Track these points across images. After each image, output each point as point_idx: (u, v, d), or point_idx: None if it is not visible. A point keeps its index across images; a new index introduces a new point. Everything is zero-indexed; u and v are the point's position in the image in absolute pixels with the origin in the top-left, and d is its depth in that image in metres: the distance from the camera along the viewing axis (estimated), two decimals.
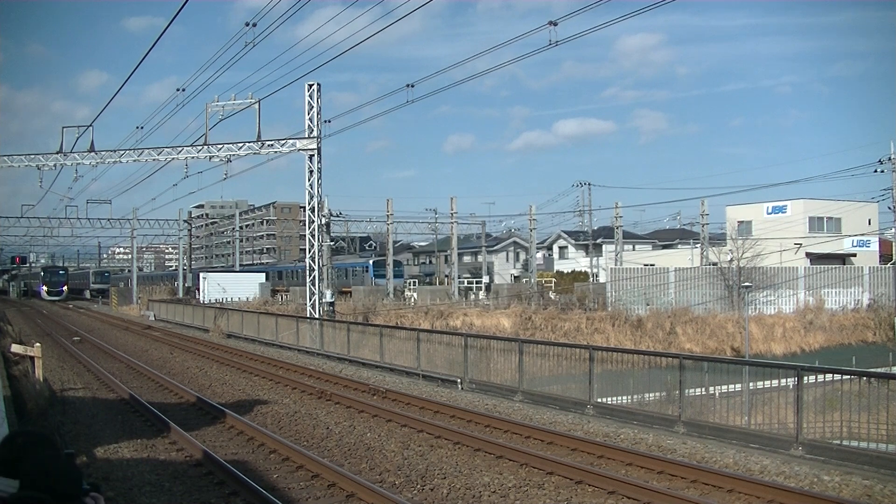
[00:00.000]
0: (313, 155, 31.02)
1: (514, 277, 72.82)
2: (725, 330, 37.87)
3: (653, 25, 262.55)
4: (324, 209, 38.68)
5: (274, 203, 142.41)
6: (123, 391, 18.04)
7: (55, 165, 34.53)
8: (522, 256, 76.37)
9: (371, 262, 65.65)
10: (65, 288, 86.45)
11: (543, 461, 10.83)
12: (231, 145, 33.13)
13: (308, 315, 31.21)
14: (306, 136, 31.30)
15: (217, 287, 59.65)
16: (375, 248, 79.55)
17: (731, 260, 43.22)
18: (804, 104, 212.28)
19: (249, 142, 32.41)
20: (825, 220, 55.28)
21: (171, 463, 11.42)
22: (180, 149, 33.30)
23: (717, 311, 40.77)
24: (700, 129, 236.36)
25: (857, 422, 12.24)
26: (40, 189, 42.09)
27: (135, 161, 34.24)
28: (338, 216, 60.66)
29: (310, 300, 31.62)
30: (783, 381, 14.12)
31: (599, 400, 15.16)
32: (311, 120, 30.96)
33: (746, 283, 35.78)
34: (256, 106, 31.28)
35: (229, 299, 55.18)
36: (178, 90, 32.89)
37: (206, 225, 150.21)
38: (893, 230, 51.17)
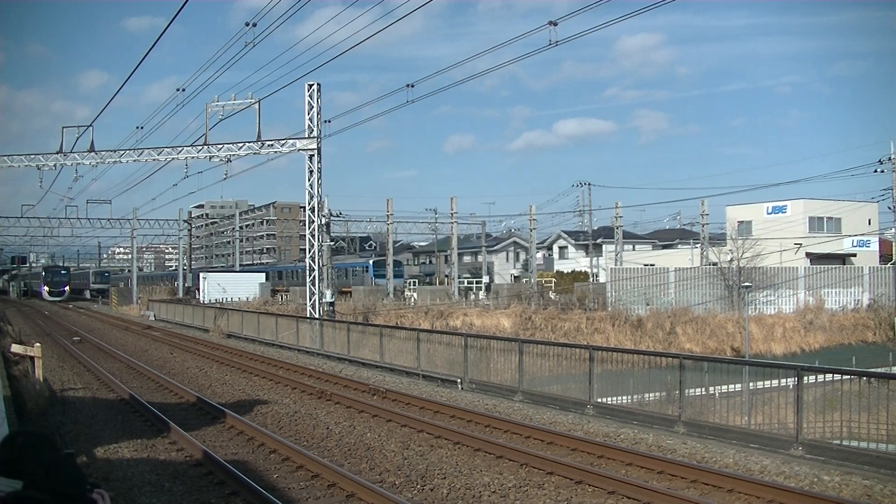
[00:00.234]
0: (313, 155, 31.02)
1: (514, 277, 72.82)
2: (725, 330, 37.87)
3: (653, 25, 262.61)
4: (324, 209, 38.69)
5: (274, 203, 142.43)
6: (123, 391, 18.04)
7: (55, 165, 34.53)
8: (522, 256, 76.36)
9: (371, 262, 65.65)
10: (67, 288, 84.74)
11: (543, 461, 10.83)
12: (231, 145, 33.13)
13: (308, 315, 31.21)
14: (306, 136, 31.30)
15: (217, 287, 59.66)
16: (375, 248, 79.54)
17: (731, 260, 43.22)
18: (805, 104, 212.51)
19: (249, 142, 32.41)
20: (825, 220, 55.28)
21: (171, 463, 11.42)
22: (180, 149, 33.30)
23: (717, 311, 40.76)
24: (700, 129, 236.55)
25: (857, 422, 12.24)
26: (40, 189, 42.13)
27: (135, 161, 34.25)
28: (338, 216, 60.68)
29: (310, 300, 31.62)
30: (783, 381, 14.12)
31: (599, 400, 15.16)
32: (311, 120, 30.97)
33: (746, 283, 35.78)
34: (256, 106, 31.29)
35: (229, 299, 55.18)
36: (178, 90, 32.93)
37: (206, 225, 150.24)
38: (893, 230, 51.17)
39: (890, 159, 46.36)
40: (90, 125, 33.38)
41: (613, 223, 59.85)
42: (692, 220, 67.50)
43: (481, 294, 56.24)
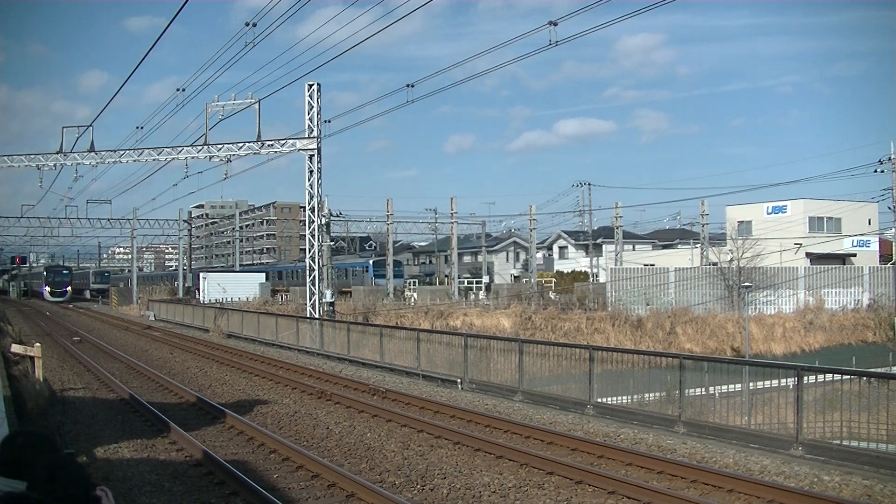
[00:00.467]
0: (313, 155, 31.02)
1: (514, 277, 72.81)
2: (725, 330, 37.87)
3: (653, 25, 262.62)
4: (324, 209, 38.69)
5: (274, 203, 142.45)
6: (123, 391, 18.04)
7: (55, 165, 34.52)
8: (522, 256, 76.36)
9: (371, 262, 65.64)
10: (69, 288, 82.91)
11: (543, 461, 10.83)
12: (231, 145, 33.12)
13: (308, 315, 31.21)
14: (306, 136, 31.30)
15: (217, 287, 59.64)
16: (375, 248, 79.53)
17: (731, 260, 43.21)
18: (805, 104, 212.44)
19: (249, 142, 32.41)
20: (825, 220, 55.28)
21: (171, 463, 11.42)
22: (180, 149, 33.28)
23: (717, 311, 40.76)
24: (701, 129, 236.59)
25: (857, 422, 12.24)
26: (40, 189, 42.08)
27: (135, 161, 34.23)
28: (338, 216, 60.66)
29: (310, 300, 31.62)
30: (783, 381, 14.12)
31: (599, 400, 15.16)
32: (311, 120, 30.97)
33: (746, 283, 35.79)
34: (256, 106, 31.28)
35: (229, 299, 55.16)
36: (178, 90, 32.90)
37: (206, 225, 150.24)
38: (893, 230, 51.17)
39: (890, 159, 46.36)
40: (90, 125, 33.40)
41: (613, 223, 59.84)
42: (692, 220, 67.58)
43: (481, 294, 56.23)
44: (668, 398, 14.42)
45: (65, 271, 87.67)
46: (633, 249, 68.11)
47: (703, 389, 14.56)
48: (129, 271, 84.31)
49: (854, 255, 54.24)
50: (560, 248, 79.57)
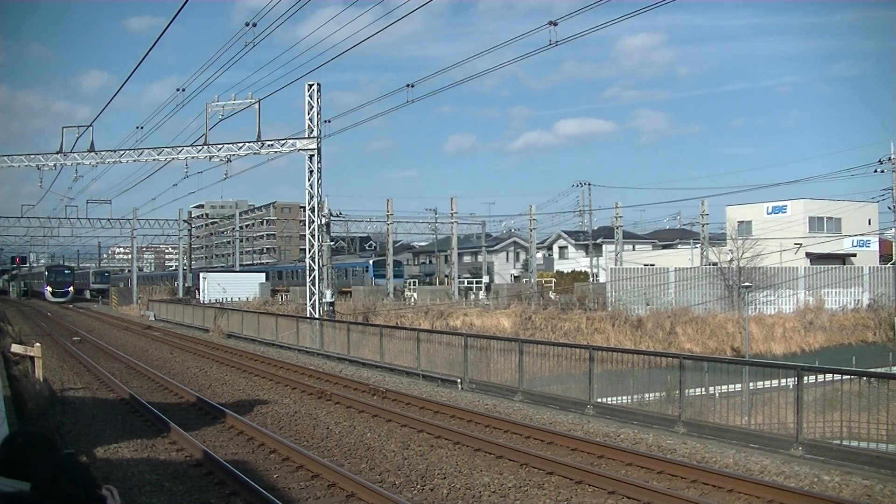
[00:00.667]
0: (313, 155, 31.01)
1: (514, 277, 72.81)
2: (725, 330, 37.86)
3: (654, 25, 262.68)
4: (324, 209, 38.69)
5: (274, 203, 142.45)
6: (123, 391, 18.04)
7: (55, 165, 34.51)
8: (522, 256, 76.35)
9: (371, 262, 65.63)
10: (71, 289, 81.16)
11: (543, 461, 10.83)
12: (231, 145, 33.12)
13: (308, 315, 31.20)
14: (306, 136, 31.30)
15: (217, 287, 59.64)
16: (375, 248, 79.53)
17: (731, 260, 43.20)
18: (805, 104, 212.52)
19: (249, 142, 32.40)
20: (825, 220, 55.27)
21: (171, 463, 11.42)
22: (180, 149, 33.28)
23: (717, 311, 40.75)
24: (701, 129, 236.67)
25: (857, 422, 12.24)
26: (40, 189, 42.05)
27: (135, 161, 34.23)
28: (338, 216, 60.66)
29: (310, 300, 31.61)
30: (783, 381, 14.12)
31: (599, 400, 15.16)
32: (311, 120, 30.97)
33: (746, 283, 35.78)
34: (256, 106, 31.28)
35: (229, 299, 55.16)
36: (178, 90, 32.88)
37: (206, 225, 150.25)
38: (893, 230, 51.16)
39: (890, 159, 46.34)
40: (90, 125, 33.39)
41: (613, 223, 59.84)
42: (692, 220, 67.57)
43: (481, 294, 56.23)
44: (668, 398, 14.42)
45: (66, 271, 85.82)
46: (633, 249, 68.10)
47: (703, 389, 14.56)
48: (129, 271, 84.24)
49: (854, 255, 54.24)
50: (560, 248, 79.57)
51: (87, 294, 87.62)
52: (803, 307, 41.66)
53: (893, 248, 53.10)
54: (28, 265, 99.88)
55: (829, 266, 46.81)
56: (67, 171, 37.48)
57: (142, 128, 36.62)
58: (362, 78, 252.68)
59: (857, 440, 12.27)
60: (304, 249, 41.02)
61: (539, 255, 71.65)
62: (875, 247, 56.13)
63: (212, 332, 36.22)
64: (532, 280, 58.16)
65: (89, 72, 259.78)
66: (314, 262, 31.83)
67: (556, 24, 21.08)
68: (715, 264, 46.62)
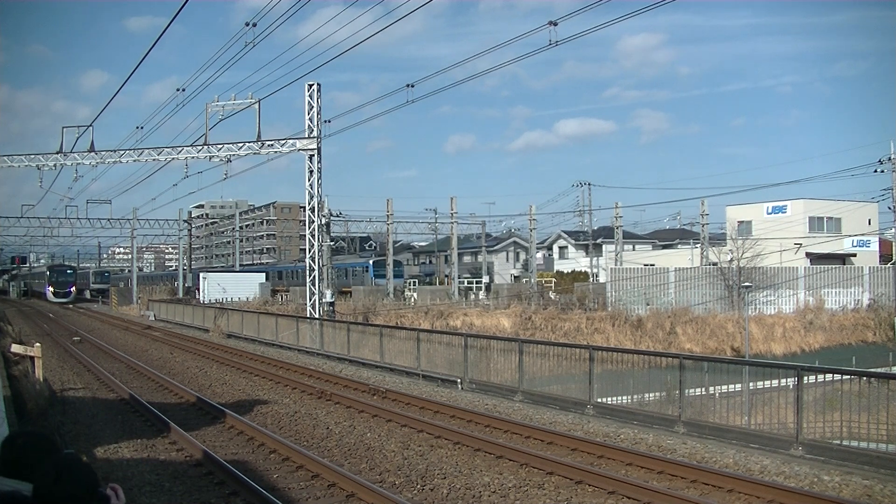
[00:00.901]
0: (313, 155, 31.01)
1: (514, 277, 72.80)
2: (725, 330, 37.86)
3: (654, 25, 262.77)
4: (324, 209, 38.67)
5: (274, 203, 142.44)
6: (123, 391, 18.04)
7: (55, 165, 34.51)
8: (522, 256, 76.34)
9: (371, 262, 65.63)
10: (73, 289, 79.04)
11: (543, 461, 10.83)
12: (231, 145, 33.12)
13: (308, 315, 31.20)
14: (306, 136, 31.30)
15: (217, 287, 59.64)
16: (375, 248, 79.52)
17: (731, 260, 43.20)
18: (805, 104, 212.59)
19: (249, 142, 32.40)
20: (825, 220, 55.27)
21: (171, 463, 11.42)
22: (180, 149, 33.28)
23: (717, 311, 40.75)
24: (701, 129, 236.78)
25: (857, 422, 12.24)
26: (40, 189, 42.04)
27: (135, 161, 34.23)
28: (338, 216, 60.65)
29: (310, 300, 31.61)
30: (783, 381, 14.12)
31: (599, 400, 15.16)
32: (311, 120, 30.96)
33: (746, 283, 35.78)
34: (256, 106, 31.28)
35: (229, 299, 55.17)
36: (178, 90, 32.89)
37: (206, 225, 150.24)
38: (893, 230, 51.16)
39: (890, 159, 46.35)
40: (90, 125, 33.39)
41: (613, 223, 59.84)
42: (692, 220, 67.58)
43: (481, 294, 56.22)
44: (668, 398, 14.42)
45: (69, 271, 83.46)
46: (633, 249, 68.10)
47: (703, 389, 14.56)
48: (129, 271, 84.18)
49: (854, 255, 54.23)
50: (560, 248, 79.56)
51: (87, 294, 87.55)
52: (803, 307, 41.66)
53: (893, 248, 53.09)
54: (28, 265, 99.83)
55: (829, 266, 46.81)
56: (67, 171, 37.52)
57: (142, 128, 36.66)
58: (362, 78, 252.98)
59: (857, 440, 12.27)
60: (304, 249, 41.02)
61: (539, 255, 71.65)
62: (875, 247, 56.12)
63: (212, 332, 36.22)
64: (532, 280, 58.15)
65: (89, 72, 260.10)
66: (314, 262, 31.83)
67: (556, 24, 21.09)
68: (715, 264, 46.62)
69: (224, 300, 54.27)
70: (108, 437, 13.21)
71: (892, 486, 9.60)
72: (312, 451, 11.76)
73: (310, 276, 31.82)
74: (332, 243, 56.13)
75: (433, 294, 56.07)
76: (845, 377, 12.66)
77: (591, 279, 62.56)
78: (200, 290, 61.16)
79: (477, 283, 59.82)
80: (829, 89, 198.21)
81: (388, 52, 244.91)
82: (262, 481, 10.03)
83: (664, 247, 72.42)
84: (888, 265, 48.86)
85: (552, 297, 53.18)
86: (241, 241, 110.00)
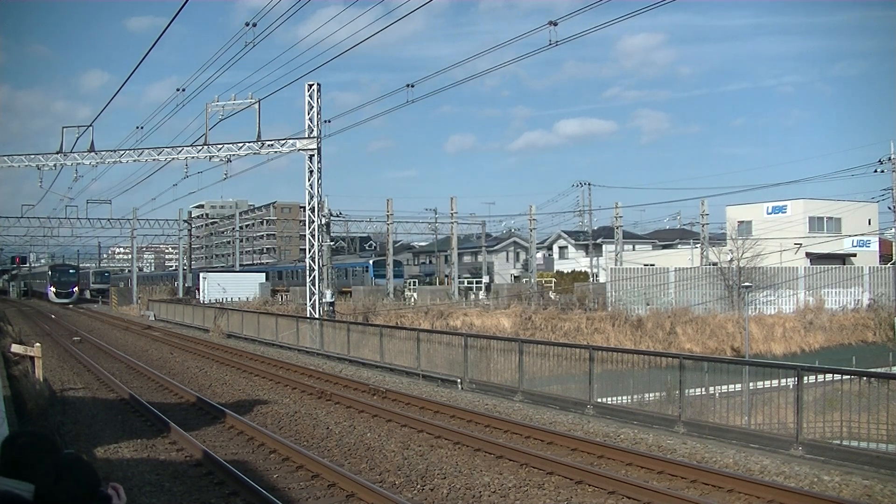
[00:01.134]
0: (313, 155, 31.01)
1: (514, 277, 72.79)
2: (725, 330, 37.86)
3: (655, 25, 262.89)
4: (324, 209, 38.67)
5: (274, 203, 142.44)
6: (123, 391, 18.04)
7: (55, 165, 34.50)
8: (522, 256, 76.33)
9: (371, 262, 65.63)
10: (76, 289, 77.58)
11: (543, 461, 10.83)
12: (231, 145, 33.12)
13: (308, 315, 31.20)
14: (306, 136, 31.30)
15: (217, 287, 59.64)
16: (375, 248, 79.52)
17: (731, 260, 43.20)
18: (806, 104, 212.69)
19: (249, 142, 32.40)
20: (825, 220, 55.26)
21: (171, 463, 11.42)
22: (180, 149, 33.28)
23: (717, 311, 40.75)
24: (701, 129, 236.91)
25: (857, 422, 12.24)
26: (40, 189, 42.01)
27: (135, 161, 34.22)
28: (338, 216, 60.65)
29: (310, 300, 31.61)
30: (783, 381, 14.12)
31: (599, 400, 15.16)
32: (311, 120, 30.96)
33: (746, 283, 35.78)
34: (256, 106, 31.27)
35: (229, 299, 55.17)
36: (178, 90, 32.88)
37: (206, 225, 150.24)
38: (893, 230, 51.15)
39: (890, 159, 46.35)
40: (90, 125, 33.39)
41: (613, 223, 59.83)
42: (692, 220, 67.57)
43: (481, 294, 56.21)
44: (668, 398, 14.42)
45: (71, 270, 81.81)
46: (633, 249, 68.10)
47: (703, 389, 14.56)
48: (129, 271, 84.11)
49: (854, 255, 54.22)
50: (560, 248, 79.56)
51: (87, 294, 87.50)
52: (803, 307, 41.65)
53: (893, 248, 53.08)
54: (28, 265, 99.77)
55: (829, 266, 46.80)
56: (67, 171, 37.52)
57: (142, 128, 36.66)
58: (362, 78, 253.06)
59: (857, 440, 12.26)
60: (304, 249, 41.02)
61: (539, 255, 71.65)
62: (875, 247, 56.11)
63: (212, 332, 36.22)
64: (532, 280, 58.15)
65: (89, 72, 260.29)
66: (314, 262, 31.83)
67: (556, 24, 21.09)
68: (715, 264, 46.61)
69: (224, 300, 54.27)
70: (108, 437, 13.21)
71: (892, 486, 9.60)
72: (312, 451, 11.76)
73: (310, 276, 31.82)
74: (332, 243, 56.13)
75: (433, 294, 56.07)
76: (845, 377, 12.66)
77: (591, 279, 62.56)
78: (200, 290, 61.16)
79: (477, 283, 59.82)
80: (829, 89, 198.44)
81: (388, 52, 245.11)
82: (262, 481, 10.03)
83: (664, 247, 72.42)
84: (888, 265, 48.85)
85: (552, 297, 53.18)
86: (241, 241, 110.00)
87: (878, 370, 21.91)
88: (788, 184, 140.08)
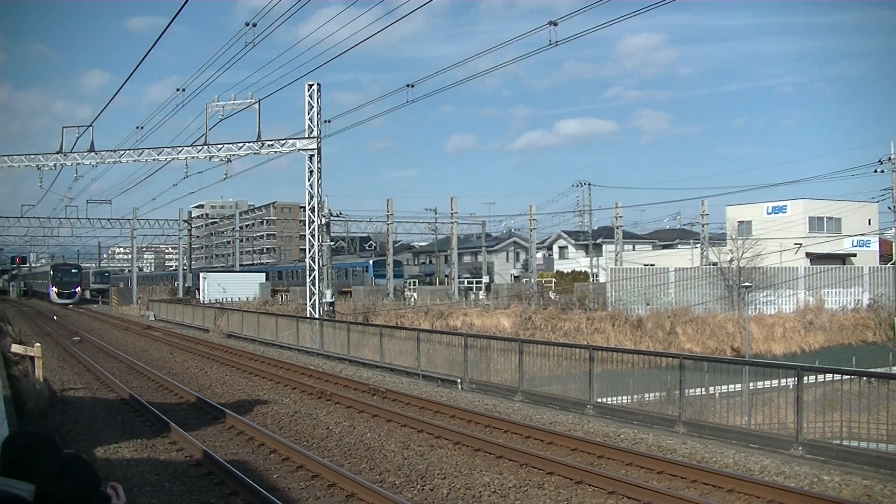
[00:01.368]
0: (313, 155, 31.02)
1: (514, 277, 72.79)
2: (725, 330, 37.86)
3: (655, 25, 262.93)
4: (324, 209, 38.68)
5: (274, 203, 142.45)
6: (123, 391, 18.04)
7: (55, 165, 34.51)
8: (522, 256, 76.33)
9: (371, 262, 65.63)
10: (78, 289, 76.34)
11: (543, 461, 10.83)
12: (231, 145, 33.12)
13: (308, 315, 31.20)
14: (306, 136, 31.30)
15: (217, 287, 59.64)
16: (375, 248, 79.52)
17: (731, 260, 43.20)
18: (806, 104, 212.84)
19: (249, 142, 32.40)
20: (825, 220, 55.26)
21: (171, 463, 11.42)
22: (180, 149, 33.28)
23: (717, 311, 40.74)
24: (701, 129, 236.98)
25: (857, 422, 12.24)
26: (40, 189, 42.00)
27: (135, 161, 34.23)
28: (338, 216, 60.66)
29: (310, 300, 31.61)
30: (783, 381, 14.12)
31: (599, 400, 15.16)
32: (311, 120, 30.96)
33: (746, 283, 35.77)
34: (256, 106, 31.28)
35: (229, 299, 55.16)
36: (178, 90, 32.88)
37: (206, 225, 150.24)
38: (893, 230, 51.14)
39: (890, 159, 46.34)
40: (90, 125, 33.39)
41: (613, 223, 59.83)
42: (692, 220, 67.61)
43: (481, 294, 56.21)
44: (668, 398, 14.42)
45: (73, 270, 79.93)
46: (633, 249, 68.09)
47: (703, 389, 14.56)
48: (129, 271, 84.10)
49: (854, 255, 54.22)
50: (560, 248, 79.56)
51: (87, 294, 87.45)
52: (803, 307, 41.65)
53: (893, 248, 53.08)
54: (28, 265, 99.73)
55: (829, 266, 46.80)
56: (67, 171, 37.54)
57: (142, 128, 36.67)
58: (363, 78, 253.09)
59: (857, 440, 12.27)
60: (304, 249, 41.02)
61: (539, 255, 71.64)
62: (875, 247, 56.11)
63: (212, 332, 36.21)
64: (532, 280, 58.14)
65: (89, 72, 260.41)
66: (314, 262, 31.83)
67: (556, 24, 21.09)
68: (715, 264, 46.61)
69: (224, 300, 54.27)
70: (108, 437, 13.21)
71: (892, 486, 9.60)
72: (312, 451, 11.75)
73: (310, 276, 31.82)
74: (332, 243, 56.14)
75: (433, 294, 56.07)
76: (845, 377, 12.66)
77: (591, 279, 62.57)
78: (200, 290, 61.16)
79: (477, 283, 59.82)
80: (829, 89, 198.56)
81: (388, 52, 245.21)
82: (262, 481, 10.03)
83: (664, 247, 72.42)
84: (888, 265, 48.84)
85: (552, 297, 53.19)
86: (241, 241, 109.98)
87: (878, 370, 21.94)
88: (788, 184, 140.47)
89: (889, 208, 47.95)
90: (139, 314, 54.81)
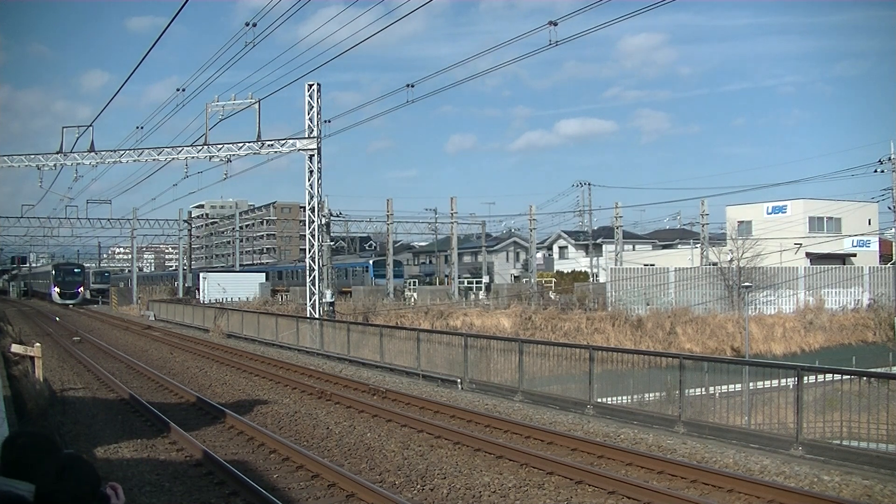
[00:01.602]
0: (313, 155, 31.02)
1: (514, 277, 72.79)
2: (725, 330, 37.86)
3: (655, 25, 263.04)
4: (324, 209, 38.67)
5: (274, 203, 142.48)
6: (123, 391, 18.04)
7: (55, 165, 34.51)
8: (522, 256, 76.34)
9: (371, 262, 65.64)
10: (81, 289, 75.19)
11: (543, 461, 10.83)
12: (231, 145, 33.12)
13: (308, 315, 31.20)
14: (306, 136, 31.30)
15: (217, 287, 59.65)
16: (375, 248, 79.54)
17: (731, 260, 43.20)
18: (806, 104, 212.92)
19: (249, 142, 32.40)
20: (825, 220, 55.27)
21: (171, 463, 11.42)
22: (180, 149, 33.28)
23: (717, 311, 40.74)
24: (702, 129, 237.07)
25: (857, 422, 12.24)
26: (40, 189, 41.99)
27: (135, 161, 34.23)
28: (338, 216, 60.66)
29: (310, 300, 31.61)
30: (783, 381, 14.12)
31: (599, 400, 15.16)
32: (311, 120, 30.96)
33: (746, 283, 35.77)
34: (256, 106, 31.28)
35: (229, 299, 55.17)
36: (178, 90, 32.89)
37: (206, 225, 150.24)
38: (893, 230, 51.14)
39: (890, 159, 46.34)
40: (90, 125, 33.40)
41: (613, 223, 59.84)
42: (692, 220, 67.62)
43: (481, 294, 56.21)
44: (668, 398, 14.42)
45: (76, 270, 77.95)
46: (633, 249, 68.10)
47: (703, 389, 14.56)
48: (129, 271, 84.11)
49: (854, 255, 54.23)
50: (560, 248, 79.56)
51: (88, 294, 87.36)
52: (803, 307, 41.65)
53: (893, 248, 53.08)
54: (28, 265, 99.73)
55: (829, 266, 46.80)
56: (67, 171, 37.53)
57: (142, 128, 36.68)
58: (363, 78, 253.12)
59: (857, 440, 12.27)
60: (304, 249, 41.02)
61: (539, 255, 71.64)
62: (875, 247, 56.12)
63: (212, 332, 36.22)
64: (532, 280, 58.14)
65: (89, 72, 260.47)
66: (314, 262, 31.83)
67: (556, 24, 21.09)
68: (715, 264, 46.61)
69: (224, 300, 54.28)
70: (108, 437, 13.21)
71: (892, 486, 9.60)
72: (312, 451, 11.76)
73: (310, 276, 31.82)
74: (332, 243, 56.14)
75: (433, 294, 56.07)
76: (845, 377, 12.67)
77: (591, 279, 62.57)
78: (200, 290, 61.16)
79: (477, 283, 59.82)
80: (830, 89, 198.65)
81: (388, 52, 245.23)
82: (262, 481, 10.03)
83: (664, 247, 72.43)
84: (888, 265, 48.84)
85: (552, 297, 53.18)
86: (241, 241, 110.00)
87: (878, 370, 21.94)
88: (788, 184, 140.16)
89: (889, 208, 47.97)
90: (139, 314, 54.82)
